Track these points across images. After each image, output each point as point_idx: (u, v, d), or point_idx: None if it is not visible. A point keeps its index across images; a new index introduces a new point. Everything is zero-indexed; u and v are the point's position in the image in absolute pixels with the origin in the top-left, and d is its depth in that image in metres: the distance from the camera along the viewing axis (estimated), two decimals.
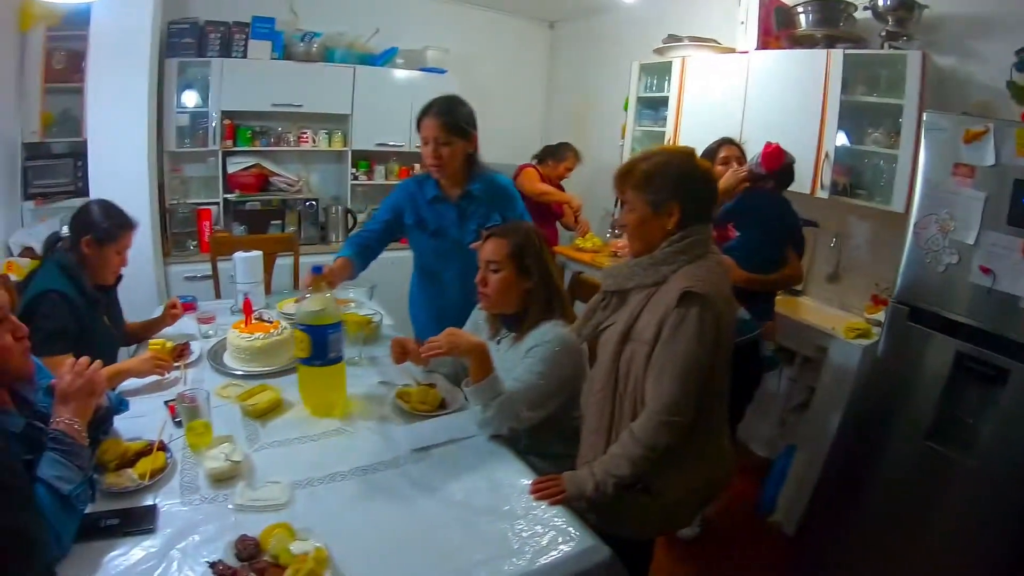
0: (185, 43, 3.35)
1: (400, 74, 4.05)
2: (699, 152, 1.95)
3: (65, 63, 3.04)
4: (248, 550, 1.07)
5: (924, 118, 1.95)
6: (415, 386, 1.81)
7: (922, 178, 1.93)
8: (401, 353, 1.85)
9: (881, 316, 2.57)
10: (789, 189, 2.44)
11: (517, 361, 1.64)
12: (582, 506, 1.37)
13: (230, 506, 1.24)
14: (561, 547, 1.18)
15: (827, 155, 2.64)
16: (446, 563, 1.12)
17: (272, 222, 3.81)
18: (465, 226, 2.13)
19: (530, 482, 1.39)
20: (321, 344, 1.59)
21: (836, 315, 2.81)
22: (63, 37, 3.01)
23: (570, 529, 1.24)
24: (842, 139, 2.67)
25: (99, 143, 2.96)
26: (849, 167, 2.70)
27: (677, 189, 1.37)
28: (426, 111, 2.05)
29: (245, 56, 3.50)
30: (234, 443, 1.43)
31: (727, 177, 2.29)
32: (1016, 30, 2.28)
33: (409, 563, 1.11)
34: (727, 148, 2.45)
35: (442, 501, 1.31)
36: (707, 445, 1.47)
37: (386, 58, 4.03)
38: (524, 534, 1.21)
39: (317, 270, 1.74)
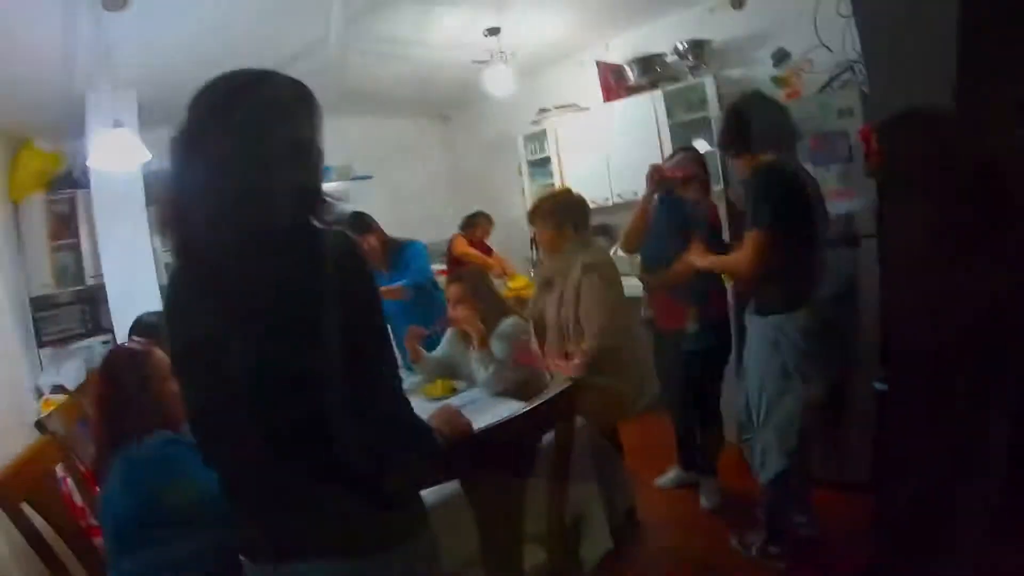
0: None
1: (336, 185, 4.65)
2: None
3: (60, 222, 3.58)
4: None
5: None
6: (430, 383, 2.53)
7: None
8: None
9: None
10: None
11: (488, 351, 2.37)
12: None
13: None
14: None
15: None
16: None
17: None
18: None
19: None
20: None
21: None
22: (58, 200, 3.58)
23: None
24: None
25: (115, 286, 3.23)
26: None
27: (565, 213, 2.33)
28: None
29: None
30: None
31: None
32: (777, 36, 3.29)
33: None
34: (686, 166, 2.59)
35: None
36: (634, 351, 2.36)
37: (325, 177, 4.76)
38: None
39: None
